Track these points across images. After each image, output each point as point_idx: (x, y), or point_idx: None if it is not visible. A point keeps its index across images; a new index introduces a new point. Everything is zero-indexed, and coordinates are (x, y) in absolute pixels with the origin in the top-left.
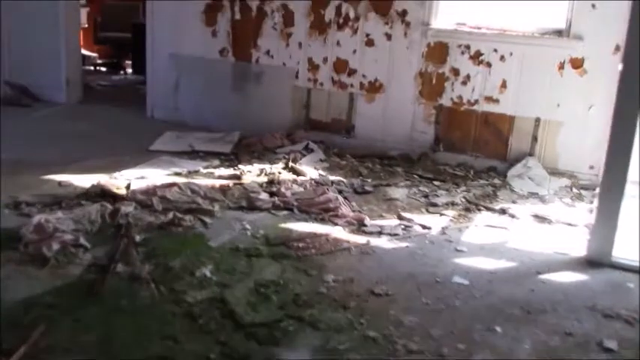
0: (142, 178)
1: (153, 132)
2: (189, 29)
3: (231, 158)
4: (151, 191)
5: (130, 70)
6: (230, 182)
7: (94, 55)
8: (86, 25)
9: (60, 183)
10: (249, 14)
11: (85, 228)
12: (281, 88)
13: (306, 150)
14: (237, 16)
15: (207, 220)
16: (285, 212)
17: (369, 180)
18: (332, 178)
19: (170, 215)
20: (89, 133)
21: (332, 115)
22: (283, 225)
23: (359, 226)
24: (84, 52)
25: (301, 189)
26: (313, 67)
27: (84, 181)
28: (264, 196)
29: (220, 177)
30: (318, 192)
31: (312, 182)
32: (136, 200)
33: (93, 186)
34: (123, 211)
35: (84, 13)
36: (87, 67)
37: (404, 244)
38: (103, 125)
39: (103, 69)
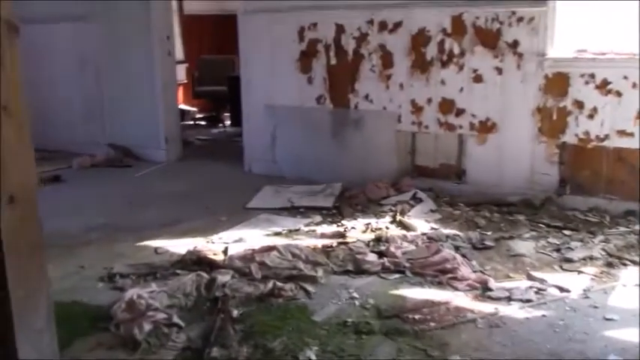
0: (240, 240)
1: (250, 187)
2: (284, 78)
3: (334, 213)
4: (249, 257)
5: (228, 123)
6: (334, 241)
7: (194, 109)
8: (185, 81)
9: (156, 250)
10: (345, 58)
11: (179, 303)
12: (383, 134)
13: (414, 200)
14: (333, 61)
15: (310, 288)
16: (396, 275)
17: (489, 232)
18: (446, 231)
19: (270, 285)
20: (187, 192)
21: (440, 160)
22: (395, 291)
23: (483, 291)
24: (184, 107)
25: (412, 246)
26: (417, 109)
27: (180, 246)
28: (371, 257)
29: (323, 235)
30: (432, 249)
31: (424, 238)
32: (234, 268)
33: (189, 252)
34: (219, 282)
35: (182, 69)
36: (187, 122)
37: (540, 313)
38: (200, 183)
39: (203, 123)
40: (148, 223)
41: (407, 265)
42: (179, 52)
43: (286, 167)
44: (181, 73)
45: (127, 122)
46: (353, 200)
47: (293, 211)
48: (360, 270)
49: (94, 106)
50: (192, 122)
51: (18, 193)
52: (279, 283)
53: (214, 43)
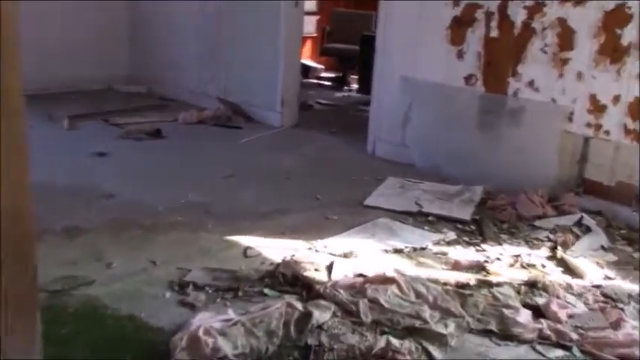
0: (350, 255)
1: (372, 175)
2: (428, 48)
3: (472, 230)
4: (358, 287)
5: (355, 87)
6: (471, 277)
7: (319, 67)
8: (314, 35)
9: (246, 250)
10: (509, 32)
11: (258, 346)
12: (546, 133)
13: (578, 226)
14: (494, 34)
15: (437, 354)
16: (558, 353)
17: None
18: (627, 285)
19: (382, 341)
20: (296, 171)
21: (618, 177)
22: None
23: None
24: (309, 62)
25: (582, 305)
26: (597, 107)
27: (275, 249)
28: (524, 315)
29: (457, 265)
30: (611, 317)
31: (598, 294)
32: (337, 301)
33: (284, 264)
34: (316, 320)
35: (313, 21)
36: (309, 80)
37: None
38: (313, 160)
39: (327, 83)
40: (244, 210)
41: (575, 337)
42: (312, 3)
43: (417, 155)
44: (311, 25)
45: (242, 75)
46: (498, 214)
47: (420, 217)
48: (507, 334)
49: (210, 51)
50: (314, 81)
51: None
52: (394, 341)
53: None
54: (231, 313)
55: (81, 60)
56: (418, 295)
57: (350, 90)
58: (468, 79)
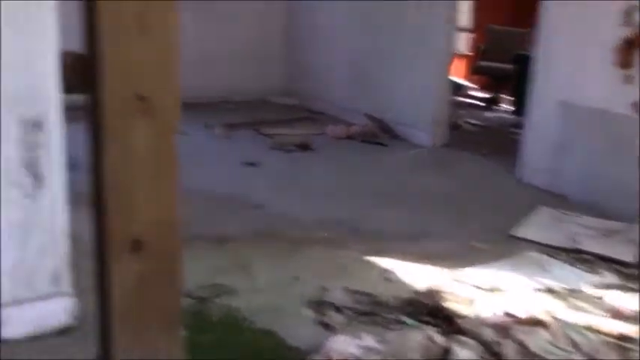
0: (496, 289)
1: (522, 203)
2: (591, 70)
3: (635, 274)
4: (505, 327)
5: (506, 107)
6: (633, 329)
7: (471, 85)
8: (467, 52)
9: (386, 274)
10: None
11: None
12: None
13: None
14: None
15: None
16: None
17: None
18: None
19: None
20: (443, 192)
21: None
22: None
23: None
24: (459, 80)
25: None
26: None
27: (417, 275)
28: None
29: (618, 313)
30: None
31: None
32: (480, 339)
33: (426, 292)
34: (456, 357)
35: (467, 38)
36: (460, 99)
37: None
38: (461, 183)
39: (477, 103)
40: (387, 229)
41: None
42: (466, 19)
43: (574, 186)
44: (464, 43)
45: (392, 92)
46: None
47: (575, 255)
48: None
49: (362, 67)
50: (465, 100)
51: (148, 237)
52: None
53: (510, 12)
54: (368, 340)
55: (238, 71)
56: (572, 343)
57: (502, 110)
58: (636, 106)
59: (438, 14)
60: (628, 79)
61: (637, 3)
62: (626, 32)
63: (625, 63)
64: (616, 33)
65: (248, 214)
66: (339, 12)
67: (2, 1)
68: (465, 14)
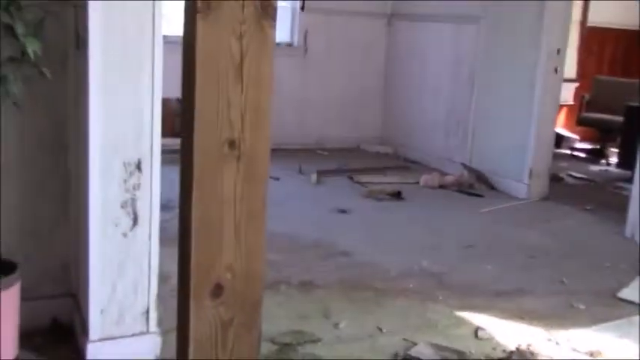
0: (597, 354)
1: (629, 263)
2: None
3: None
4: None
5: (614, 161)
6: None
7: (574, 137)
8: (571, 103)
9: (477, 331)
10: None
11: None
12: None
13: None
14: None
15: None
16: None
17: None
18: None
19: None
20: (541, 248)
21: None
22: None
23: None
24: (563, 132)
25: None
26: None
27: (510, 333)
28: None
29: None
30: None
31: None
32: None
33: (519, 352)
34: None
35: (571, 88)
36: (562, 150)
37: None
38: (561, 239)
39: (581, 155)
40: (481, 284)
41: None
42: (571, 69)
43: None
44: (568, 93)
45: (490, 142)
46: None
47: None
48: None
49: (458, 116)
50: (568, 152)
51: (230, 282)
52: None
53: (618, 61)
54: None
55: (335, 119)
56: None
57: (608, 164)
58: None
59: (542, 63)
60: None
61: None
62: None
63: None
64: None
65: (334, 261)
66: (433, 62)
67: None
68: (570, 64)
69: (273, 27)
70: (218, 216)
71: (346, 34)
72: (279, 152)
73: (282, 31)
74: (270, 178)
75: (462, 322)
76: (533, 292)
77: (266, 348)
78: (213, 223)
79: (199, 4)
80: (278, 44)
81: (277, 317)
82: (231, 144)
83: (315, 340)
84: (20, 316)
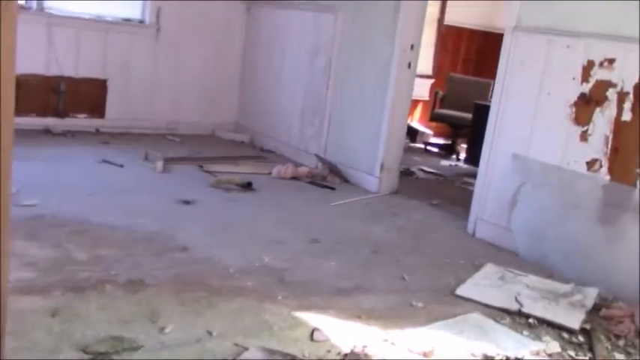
0: (430, 354)
1: (469, 259)
2: (548, 125)
3: (579, 342)
4: None
5: (463, 157)
6: None
7: (428, 132)
8: (427, 98)
9: (313, 333)
10: None
11: None
12: None
13: None
14: (626, 117)
15: None
16: None
17: None
18: None
19: None
20: (386, 243)
21: None
22: None
23: None
24: (418, 126)
25: None
26: None
27: (346, 335)
28: None
29: None
30: None
31: None
32: None
33: (352, 354)
34: None
35: (427, 84)
36: (416, 144)
37: None
38: (407, 234)
39: (434, 150)
40: (322, 282)
41: None
42: (428, 66)
43: (523, 243)
44: (424, 89)
45: (344, 135)
46: (613, 326)
47: (518, 318)
48: None
49: (315, 106)
50: (421, 146)
51: None
52: None
53: (472, 61)
54: None
55: (189, 104)
56: None
57: (458, 159)
58: (591, 164)
59: (396, 57)
60: (583, 136)
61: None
62: (584, 88)
63: (581, 119)
64: (574, 88)
65: (170, 258)
66: (291, 50)
67: None
68: (427, 61)
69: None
70: None
71: (203, 15)
72: (125, 137)
73: (133, 7)
74: (113, 164)
75: (299, 323)
76: (373, 289)
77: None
78: None
79: None
80: (128, 20)
81: (96, 322)
82: None
83: (136, 348)
84: None
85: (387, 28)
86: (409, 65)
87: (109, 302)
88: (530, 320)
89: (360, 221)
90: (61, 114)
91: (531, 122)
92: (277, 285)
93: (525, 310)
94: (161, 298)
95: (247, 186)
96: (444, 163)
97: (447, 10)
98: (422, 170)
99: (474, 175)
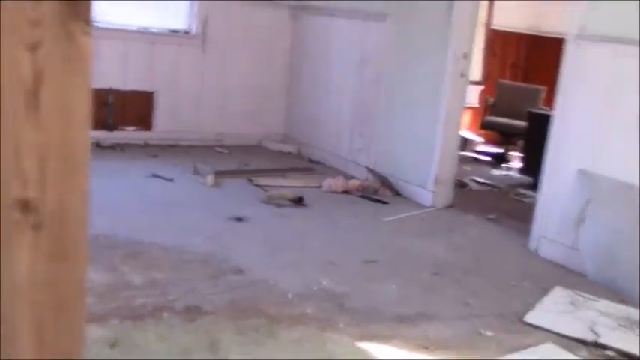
0: None
1: (534, 280)
2: (617, 139)
3: None
4: None
5: (516, 166)
6: None
7: (478, 140)
8: (477, 105)
9: None
10: None
11: None
12: None
13: None
14: None
15: None
16: None
17: None
18: None
19: None
20: (445, 264)
21: None
22: None
23: None
24: (468, 134)
25: None
26: None
27: None
28: None
29: None
30: None
31: None
32: None
33: None
34: None
35: (476, 91)
36: (466, 153)
37: None
38: (466, 252)
39: (485, 159)
40: (382, 307)
41: None
42: (476, 72)
43: (592, 264)
44: (474, 95)
45: (395, 146)
46: None
47: (595, 350)
48: None
49: (364, 117)
50: (472, 155)
51: None
52: None
53: (520, 66)
54: None
55: (236, 114)
56: None
57: (509, 169)
58: None
59: (449, 66)
60: None
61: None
62: None
63: None
64: None
65: (226, 281)
66: (339, 59)
67: None
68: (476, 66)
69: (88, 33)
70: (8, 310)
71: (249, 24)
72: (174, 149)
73: (179, 18)
74: (164, 179)
75: (363, 354)
76: (437, 316)
77: None
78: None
79: None
80: (174, 31)
81: (156, 353)
82: (25, 206)
83: None
84: None
85: (439, 34)
86: (462, 74)
87: (167, 331)
88: (609, 352)
89: (415, 238)
90: (110, 127)
91: (598, 136)
92: (337, 311)
93: (603, 340)
94: (219, 325)
95: (299, 201)
96: (496, 172)
97: (494, 13)
98: (475, 181)
99: (528, 186)
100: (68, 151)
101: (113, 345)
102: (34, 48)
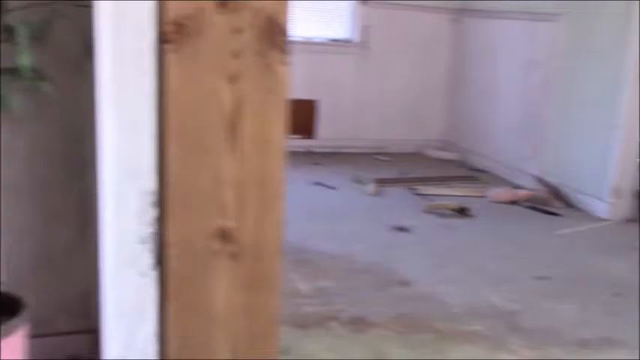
0: None
1: None
2: None
3: None
4: None
5: None
6: None
7: None
8: None
9: None
10: None
11: None
12: None
13: None
14: None
15: None
16: None
17: None
18: None
19: None
20: (628, 284)
21: None
22: None
23: None
24: None
25: None
26: None
27: None
28: None
29: None
30: None
31: None
32: None
33: None
34: None
35: None
36: None
37: None
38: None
39: None
40: (560, 329)
41: None
42: None
43: None
44: None
45: (567, 153)
46: None
47: None
48: None
49: (532, 122)
50: None
51: None
52: None
53: None
54: None
55: (396, 122)
56: None
57: None
58: None
59: (632, 71)
60: None
61: None
62: None
63: None
64: None
65: (392, 293)
66: (505, 62)
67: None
68: None
69: (286, 63)
70: (206, 338)
71: (409, 30)
72: (335, 157)
73: (340, 27)
74: (327, 187)
75: None
76: (625, 342)
77: None
78: (200, 348)
79: (169, 29)
80: (336, 40)
81: None
82: (224, 236)
83: None
84: (32, 355)
85: (617, 31)
86: None
87: (335, 342)
88: None
89: (593, 255)
90: None
91: None
92: (509, 331)
93: None
94: (386, 339)
95: (463, 211)
96: None
97: None
98: None
99: None
100: (266, 181)
101: (284, 352)
102: (234, 79)
